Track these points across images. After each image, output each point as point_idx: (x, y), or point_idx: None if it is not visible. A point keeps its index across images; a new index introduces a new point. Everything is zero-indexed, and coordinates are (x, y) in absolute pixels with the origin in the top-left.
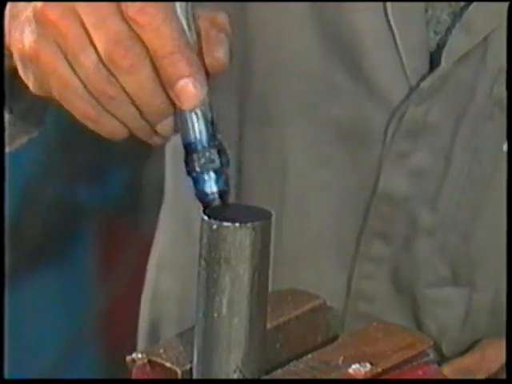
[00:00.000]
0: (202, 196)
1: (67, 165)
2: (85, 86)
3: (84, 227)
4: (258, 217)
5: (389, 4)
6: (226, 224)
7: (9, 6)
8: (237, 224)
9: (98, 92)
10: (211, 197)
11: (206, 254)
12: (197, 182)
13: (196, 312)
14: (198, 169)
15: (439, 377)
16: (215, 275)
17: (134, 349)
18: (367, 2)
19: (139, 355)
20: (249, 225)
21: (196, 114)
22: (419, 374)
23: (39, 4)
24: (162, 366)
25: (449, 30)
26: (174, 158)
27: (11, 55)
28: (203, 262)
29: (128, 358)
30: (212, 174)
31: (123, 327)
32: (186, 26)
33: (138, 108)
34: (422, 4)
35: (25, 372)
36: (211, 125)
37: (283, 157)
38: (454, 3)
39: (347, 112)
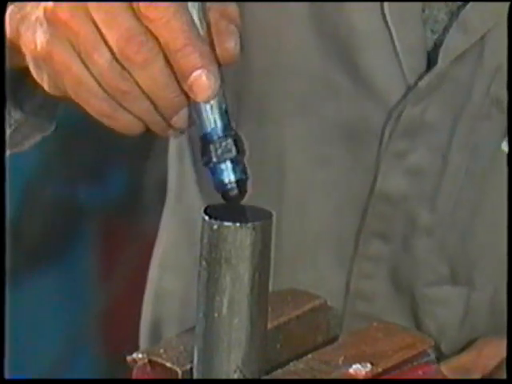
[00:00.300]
0: (220, 186)
1: (67, 165)
2: (99, 84)
3: (84, 227)
4: (258, 217)
5: (386, 4)
6: (226, 224)
7: (15, 7)
8: (237, 224)
9: (113, 88)
10: (229, 186)
11: (207, 253)
12: (214, 172)
13: (196, 312)
14: (214, 159)
15: (439, 377)
16: (216, 275)
17: (134, 349)
18: (364, 1)
19: (140, 355)
20: (249, 225)
21: (210, 105)
22: (419, 373)
23: (50, 4)
24: (163, 365)
25: (446, 29)
26: (178, 159)
27: (23, 56)
28: (204, 262)
29: (128, 358)
30: (229, 164)
31: (123, 327)
32: (196, 19)
33: (152, 102)
34: (419, 3)
35: (25, 372)
36: (225, 114)
37: (281, 156)
38: (450, 3)
39: (345, 112)
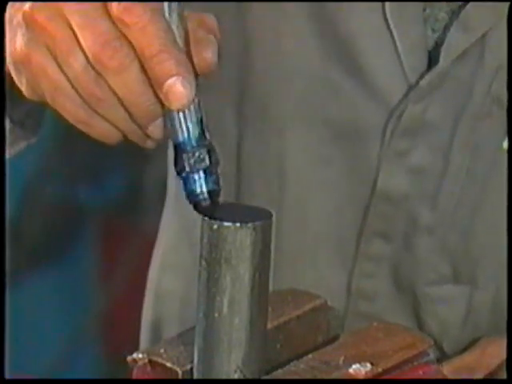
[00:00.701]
0: (192, 196)
1: (67, 165)
2: (74, 88)
3: (84, 227)
4: (258, 217)
5: (387, 3)
6: (226, 224)
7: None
8: (237, 224)
9: (87, 94)
10: (201, 197)
11: (207, 253)
12: (187, 181)
13: (197, 312)
14: (187, 169)
15: (439, 377)
16: (216, 275)
17: (134, 349)
18: (365, 1)
19: (140, 355)
20: (249, 225)
21: (184, 114)
22: (419, 373)
23: (27, 6)
24: (163, 366)
25: (447, 28)
26: None
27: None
28: (204, 262)
29: (129, 358)
30: (202, 174)
31: (124, 327)
32: (174, 26)
33: (127, 110)
34: (420, 2)
35: (26, 372)
36: (200, 124)
37: (282, 157)
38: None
39: (346, 111)
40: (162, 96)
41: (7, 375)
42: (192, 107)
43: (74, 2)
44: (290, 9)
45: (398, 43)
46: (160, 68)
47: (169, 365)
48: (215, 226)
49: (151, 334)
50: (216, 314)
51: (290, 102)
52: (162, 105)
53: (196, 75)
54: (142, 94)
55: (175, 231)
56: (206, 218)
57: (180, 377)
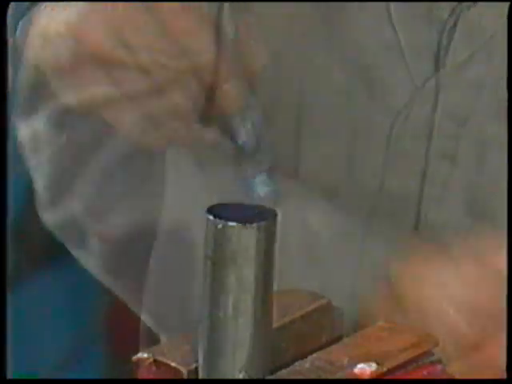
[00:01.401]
0: (253, 199)
1: None
2: (128, 100)
3: None
4: (263, 216)
5: (392, 5)
6: (230, 224)
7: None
8: (242, 223)
9: (142, 105)
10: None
11: (212, 253)
12: (246, 184)
13: (201, 312)
14: (245, 172)
15: (444, 377)
16: (220, 275)
17: (138, 348)
18: (370, 1)
19: (145, 355)
20: (254, 224)
21: (240, 118)
22: (424, 373)
23: (72, 18)
24: (168, 365)
25: (453, 30)
26: (175, 157)
27: (41, 70)
28: (208, 262)
29: (133, 358)
30: (261, 176)
31: (128, 327)
32: (223, 30)
33: (182, 117)
34: (426, 4)
35: (28, 372)
36: (256, 126)
37: (290, 158)
38: (458, 3)
39: (352, 113)
40: (215, 101)
41: (9, 375)
42: (247, 110)
43: (124, 13)
44: (295, 11)
45: (403, 45)
46: (214, 74)
47: (174, 364)
48: (220, 226)
49: (150, 336)
50: (221, 314)
51: (296, 104)
52: (217, 110)
53: (250, 77)
54: (196, 101)
55: (170, 231)
56: (211, 217)
57: (185, 376)
